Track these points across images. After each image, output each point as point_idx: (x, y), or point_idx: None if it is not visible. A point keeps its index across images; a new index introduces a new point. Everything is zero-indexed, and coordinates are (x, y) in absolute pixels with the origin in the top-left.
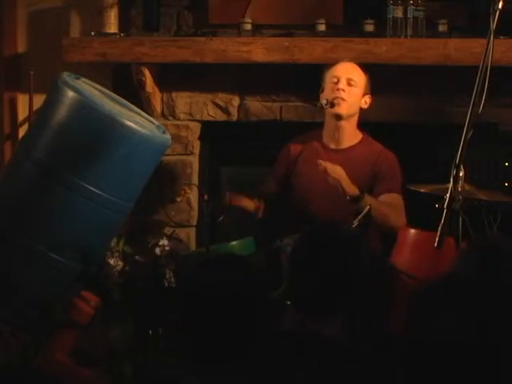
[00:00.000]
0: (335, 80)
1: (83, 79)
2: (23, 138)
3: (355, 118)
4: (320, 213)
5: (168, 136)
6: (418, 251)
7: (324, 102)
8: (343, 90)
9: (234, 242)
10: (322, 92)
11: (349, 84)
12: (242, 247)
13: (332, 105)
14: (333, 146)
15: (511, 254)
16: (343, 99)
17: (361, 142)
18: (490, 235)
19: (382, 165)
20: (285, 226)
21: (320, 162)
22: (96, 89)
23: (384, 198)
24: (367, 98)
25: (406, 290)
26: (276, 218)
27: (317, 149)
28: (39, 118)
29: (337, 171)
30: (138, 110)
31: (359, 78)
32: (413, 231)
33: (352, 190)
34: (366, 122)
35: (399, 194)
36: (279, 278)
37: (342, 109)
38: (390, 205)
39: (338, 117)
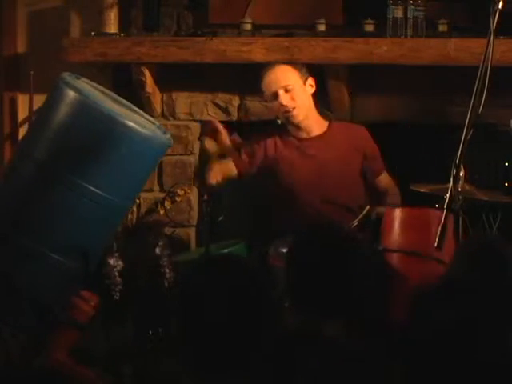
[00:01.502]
0: (274, 97)
1: (84, 79)
2: (24, 137)
3: (313, 109)
4: (308, 208)
5: (168, 136)
6: (405, 228)
7: (279, 122)
8: (287, 102)
9: (226, 250)
10: (267, 99)
11: (287, 91)
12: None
13: (287, 120)
14: (305, 136)
15: (506, 252)
16: (293, 108)
17: (330, 127)
18: (485, 234)
19: (366, 143)
20: (278, 228)
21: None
22: (97, 89)
23: (381, 179)
24: (311, 82)
25: (404, 288)
26: (269, 221)
27: (292, 143)
28: (40, 118)
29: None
30: (139, 111)
31: (292, 77)
32: (397, 210)
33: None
34: (366, 122)
35: (385, 168)
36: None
37: (297, 117)
38: (390, 188)
39: (299, 122)
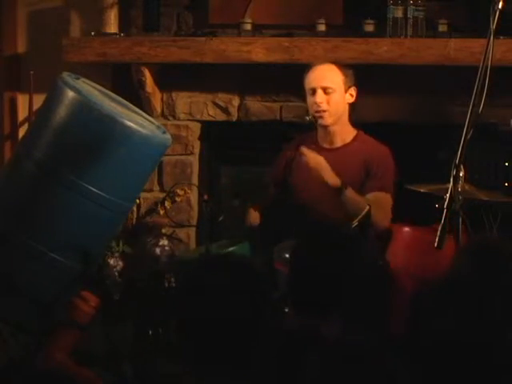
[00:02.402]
0: (311, 92)
1: (83, 79)
2: (23, 137)
3: (345, 117)
4: (318, 214)
5: (168, 136)
6: (414, 249)
7: (307, 118)
8: (321, 103)
9: (230, 249)
10: (305, 91)
11: (326, 93)
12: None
13: (315, 119)
14: (327, 146)
15: (508, 253)
16: (324, 111)
17: (354, 139)
18: (486, 235)
19: (374, 160)
20: (283, 229)
21: (302, 150)
22: (96, 89)
23: (372, 196)
24: (352, 91)
25: (404, 289)
26: (274, 221)
27: (311, 150)
28: (39, 118)
29: (317, 160)
30: (138, 110)
31: (335, 81)
32: (408, 229)
33: (333, 180)
34: (366, 122)
35: (388, 192)
36: (274, 285)
37: (326, 120)
38: (374, 203)
39: (325, 126)
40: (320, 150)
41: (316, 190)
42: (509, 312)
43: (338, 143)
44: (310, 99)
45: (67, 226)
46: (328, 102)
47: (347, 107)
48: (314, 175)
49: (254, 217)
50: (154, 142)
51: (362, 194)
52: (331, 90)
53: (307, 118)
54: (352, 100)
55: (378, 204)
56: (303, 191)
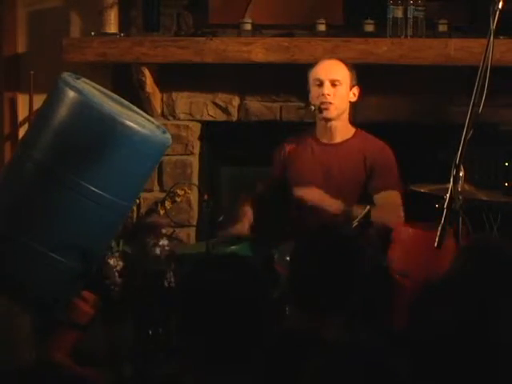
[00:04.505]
0: (318, 83)
1: (84, 79)
2: (23, 138)
3: (346, 114)
4: (318, 210)
5: (168, 136)
6: (414, 250)
7: (312, 108)
8: (328, 95)
9: (231, 247)
10: (310, 93)
11: (333, 85)
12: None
13: (320, 110)
14: (325, 141)
15: (506, 253)
16: (330, 103)
17: (354, 136)
18: (486, 235)
19: (377, 158)
20: (283, 227)
21: (295, 192)
22: (96, 89)
23: (380, 195)
24: (355, 90)
25: (404, 289)
26: (273, 219)
27: (310, 144)
28: (40, 118)
29: (314, 195)
30: (139, 110)
31: (343, 75)
32: (408, 229)
33: (335, 206)
34: (366, 122)
35: (396, 189)
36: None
37: (331, 113)
38: (381, 203)
39: (328, 119)
40: (319, 144)
41: (318, 184)
42: (508, 311)
43: (338, 139)
44: (315, 90)
45: (67, 225)
46: (334, 95)
47: (348, 105)
48: (327, 179)
49: (245, 210)
50: (155, 141)
51: (366, 191)
52: (338, 83)
53: (312, 108)
54: (354, 99)
55: (386, 203)
56: (303, 185)
